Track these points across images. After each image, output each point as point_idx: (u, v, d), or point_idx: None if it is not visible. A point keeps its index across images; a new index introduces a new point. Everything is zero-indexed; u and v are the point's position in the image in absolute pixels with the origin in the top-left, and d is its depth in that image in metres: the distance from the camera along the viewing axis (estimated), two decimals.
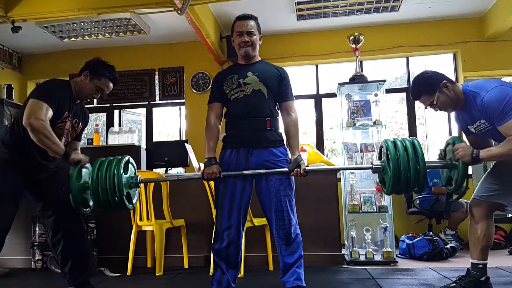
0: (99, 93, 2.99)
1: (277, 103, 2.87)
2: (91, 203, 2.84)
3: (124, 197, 2.67)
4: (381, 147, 2.70)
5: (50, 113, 2.69)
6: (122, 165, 2.68)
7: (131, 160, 2.85)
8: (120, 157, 2.76)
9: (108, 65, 3.01)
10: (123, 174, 2.67)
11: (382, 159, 2.67)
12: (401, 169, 2.47)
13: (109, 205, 2.66)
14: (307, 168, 2.69)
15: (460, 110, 2.86)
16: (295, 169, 2.66)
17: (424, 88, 2.84)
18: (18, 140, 2.80)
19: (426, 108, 2.91)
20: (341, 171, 4.58)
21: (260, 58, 2.93)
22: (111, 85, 3.01)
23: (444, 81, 2.77)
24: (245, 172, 2.70)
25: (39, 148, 2.71)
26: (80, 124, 3.04)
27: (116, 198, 2.64)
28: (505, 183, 2.78)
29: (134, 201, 2.84)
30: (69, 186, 2.72)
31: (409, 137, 2.72)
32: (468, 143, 2.74)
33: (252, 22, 2.82)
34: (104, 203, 2.65)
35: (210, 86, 6.59)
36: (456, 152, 2.60)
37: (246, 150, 2.75)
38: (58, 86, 2.86)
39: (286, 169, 2.70)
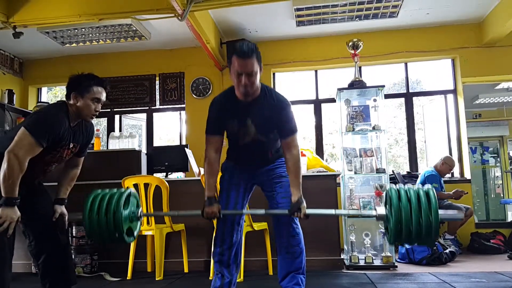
0: (99, 104, 2.82)
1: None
2: (135, 232, 2.75)
3: (125, 233, 2.59)
4: (386, 194, 2.54)
5: (38, 149, 2.57)
6: (123, 202, 2.57)
7: (133, 192, 2.73)
8: (120, 191, 2.64)
9: (86, 74, 2.85)
10: (123, 210, 2.56)
11: (387, 208, 2.51)
12: (402, 221, 2.31)
13: (108, 241, 2.59)
14: (308, 211, 2.60)
15: None
16: (296, 212, 2.59)
17: None
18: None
19: None
20: (340, 176, 4.60)
21: (259, 90, 2.70)
22: (101, 89, 2.82)
23: None
24: (244, 211, 2.79)
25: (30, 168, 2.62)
26: (78, 146, 2.89)
27: (117, 235, 2.55)
28: None
29: (135, 233, 2.75)
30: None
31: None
32: None
33: (253, 60, 2.57)
34: (103, 239, 2.58)
35: (210, 92, 6.63)
36: None
37: (249, 170, 2.86)
38: (55, 121, 2.65)
39: (286, 211, 2.64)
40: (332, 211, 2.85)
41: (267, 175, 2.85)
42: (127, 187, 2.76)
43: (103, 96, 2.85)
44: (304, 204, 2.61)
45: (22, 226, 2.91)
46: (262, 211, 2.72)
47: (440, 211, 2.30)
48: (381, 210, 2.53)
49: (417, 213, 2.30)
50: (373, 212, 2.57)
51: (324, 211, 2.85)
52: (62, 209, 2.87)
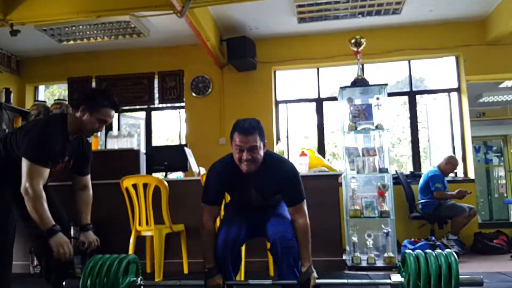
0: (103, 125, 2.78)
1: None
2: None
3: None
4: (403, 259, 2.41)
5: (47, 173, 2.62)
6: (122, 271, 2.47)
7: (133, 258, 2.62)
8: (120, 257, 2.56)
9: (104, 91, 2.84)
10: (122, 280, 2.47)
11: (403, 274, 2.38)
12: None
13: None
14: (318, 281, 2.51)
15: None
16: (305, 283, 2.50)
17: None
18: (5, 158, 2.75)
19: None
20: (342, 176, 4.54)
21: (262, 160, 2.58)
22: (112, 113, 2.79)
23: None
24: (250, 281, 2.65)
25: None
26: (71, 160, 2.86)
27: None
28: None
29: None
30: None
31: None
32: None
33: (255, 136, 2.47)
34: None
35: (210, 90, 6.57)
36: None
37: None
38: (51, 141, 2.64)
39: (295, 281, 2.53)
40: (344, 281, 2.71)
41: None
42: (128, 254, 2.64)
43: (111, 118, 2.82)
44: (315, 274, 2.52)
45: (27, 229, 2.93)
46: (269, 282, 2.61)
47: (461, 277, 2.16)
48: (397, 277, 2.39)
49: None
50: (388, 281, 2.41)
51: (336, 281, 2.71)
52: (89, 236, 2.89)
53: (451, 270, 2.17)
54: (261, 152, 2.53)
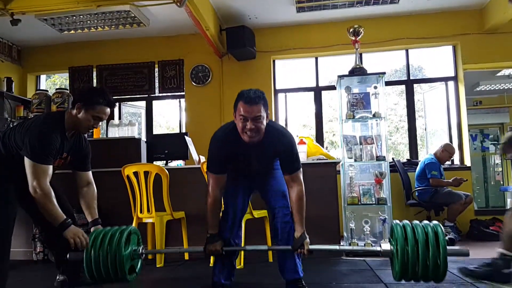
0: (98, 122, 2.86)
1: None
2: (137, 269, 2.77)
3: (127, 272, 2.59)
4: (392, 230, 2.50)
5: (50, 169, 2.68)
6: (124, 240, 2.57)
7: (134, 229, 2.73)
8: (121, 229, 2.65)
9: (99, 90, 2.90)
10: (124, 250, 2.57)
11: (392, 243, 2.47)
12: (409, 264, 2.29)
13: (109, 281, 2.59)
14: (311, 247, 2.59)
15: None
16: (299, 249, 2.58)
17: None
18: (5, 155, 2.80)
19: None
20: (340, 164, 4.60)
21: (264, 135, 2.61)
22: (108, 110, 2.86)
23: None
24: (248, 247, 2.83)
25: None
26: (69, 157, 2.93)
27: (118, 273, 2.55)
28: None
29: (137, 270, 2.75)
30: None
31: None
32: None
33: (259, 106, 2.51)
34: (104, 279, 2.57)
35: (210, 79, 6.60)
36: None
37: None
38: (51, 140, 2.71)
39: (289, 247, 2.62)
40: (336, 247, 2.82)
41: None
42: (129, 225, 2.74)
43: (106, 116, 2.88)
44: (308, 240, 2.60)
45: (31, 217, 3.01)
46: (265, 247, 2.77)
47: (449, 248, 2.27)
48: (386, 246, 2.49)
49: (425, 256, 2.26)
50: (378, 248, 2.53)
51: (328, 247, 2.82)
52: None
53: (438, 239, 2.28)
54: (265, 123, 2.56)
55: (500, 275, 2.72)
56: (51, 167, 2.69)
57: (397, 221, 2.48)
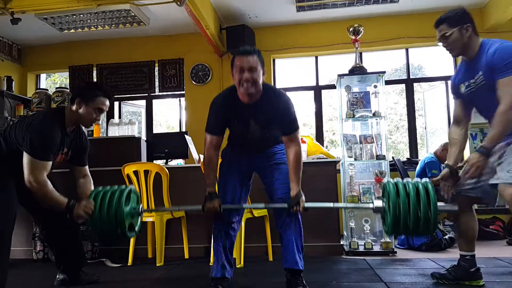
0: (100, 114, 2.92)
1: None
2: (137, 228, 2.82)
3: (127, 229, 2.64)
4: (384, 187, 2.57)
5: (49, 166, 2.72)
6: (124, 198, 2.63)
7: (133, 188, 2.79)
8: (121, 188, 2.71)
9: (95, 83, 2.98)
10: (125, 207, 2.63)
11: (384, 200, 2.55)
12: (400, 216, 2.36)
13: (110, 238, 2.70)
14: (306, 204, 2.63)
15: (466, 62, 2.82)
16: (294, 206, 2.61)
17: (451, 18, 2.74)
18: (7, 151, 2.82)
19: (437, 40, 2.86)
20: (340, 163, 4.60)
21: (262, 92, 2.66)
22: (107, 101, 2.94)
23: (469, 25, 2.72)
24: (244, 205, 2.80)
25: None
26: (70, 152, 2.97)
27: (119, 231, 2.62)
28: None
29: (137, 229, 2.80)
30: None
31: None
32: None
33: (254, 57, 2.57)
34: (105, 236, 2.68)
35: (210, 78, 6.61)
36: (471, 171, 2.62)
37: (248, 154, 2.86)
38: (50, 135, 2.73)
39: (285, 205, 2.65)
40: (330, 204, 2.89)
41: (266, 159, 2.85)
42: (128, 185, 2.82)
43: (106, 107, 2.95)
44: (303, 198, 2.64)
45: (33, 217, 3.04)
46: (262, 205, 2.75)
47: (438, 204, 2.34)
48: (378, 202, 2.56)
49: (415, 207, 2.34)
50: (370, 205, 2.60)
51: (322, 204, 2.87)
52: None
53: (428, 193, 2.36)
54: (261, 76, 2.61)
55: (469, 274, 2.87)
56: (49, 163, 2.72)
57: (390, 179, 2.58)
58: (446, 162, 2.93)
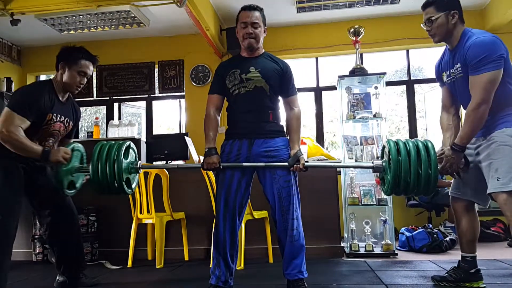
0: (84, 77, 2.93)
1: (279, 97, 2.89)
2: (77, 185, 2.89)
3: (124, 183, 2.68)
4: (384, 147, 2.62)
5: (26, 123, 2.67)
6: (123, 151, 2.68)
7: (132, 145, 2.83)
8: (121, 141, 2.76)
9: (77, 47, 2.95)
10: (123, 159, 2.67)
11: (384, 159, 2.59)
12: (401, 174, 2.37)
13: (108, 190, 2.68)
14: (306, 163, 2.69)
15: (449, 51, 2.83)
16: (295, 165, 2.67)
17: (440, 1, 2.76)
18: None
19: (423, 22, 2.86)
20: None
21: (263, 51, 2.92)
22: (91, 66, 2.96)
23: (456, 11, 2.72)
24: (244, 164, 2.72)
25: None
26: (71, 122, 3.01)
27: (116, 183, 2.65)
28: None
29: (133, 186, 2.84)
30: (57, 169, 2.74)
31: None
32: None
33: (257, 13, 2.81)
34: (103, 188, 2.67)
35: (210, 79, 6.60)
36: (445, 167, 2.63)
37: (248, 141, 2.77)
38: (34, 92, 2.77)
39: (286, 163, 2.69)
40: (329, 164, 2.95)
41: (265, 155, 2.75)
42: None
43: (90, 71, 2.96)
44: (303, 155, 2.73)
45: (36, 213, 3.13)
46: (262, 164, 2.71)
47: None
48: (378, 162, 2.60)
49: (416, 165, 2.36)
50: (370, 164, 2.66)
51: (322, 163, 2.94)
52: None
53: (428, 151, 2.39)
54: (262, 32, 2.85)
55: (470, 275, 2.88)
56: (26, 121, 2.67)
57: (390, 138, 2.61)
58: (441, 147, 2.85)
